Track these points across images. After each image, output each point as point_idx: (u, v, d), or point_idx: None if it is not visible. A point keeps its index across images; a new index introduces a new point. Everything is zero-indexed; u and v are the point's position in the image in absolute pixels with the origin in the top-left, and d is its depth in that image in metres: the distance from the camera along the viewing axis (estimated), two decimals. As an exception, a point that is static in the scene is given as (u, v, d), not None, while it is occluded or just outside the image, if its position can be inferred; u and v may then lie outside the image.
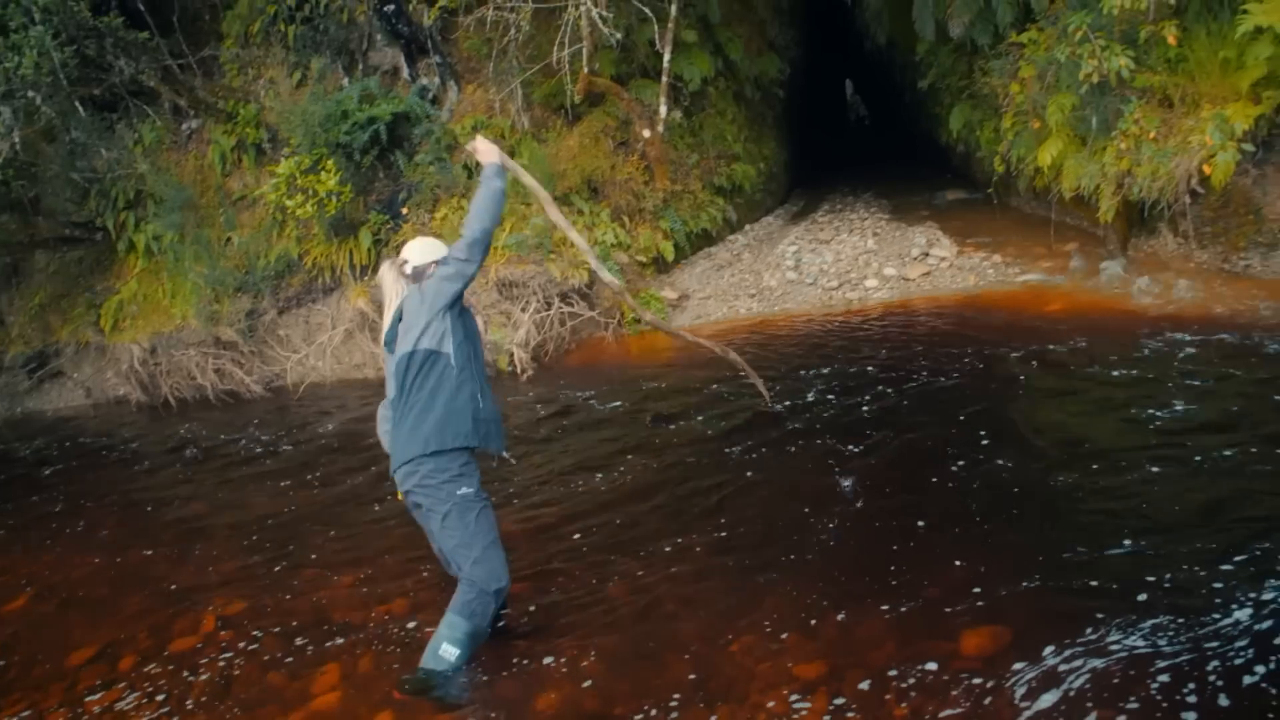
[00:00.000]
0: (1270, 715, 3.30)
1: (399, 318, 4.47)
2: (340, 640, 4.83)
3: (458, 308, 4.41)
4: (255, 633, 5.05)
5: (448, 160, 11.10)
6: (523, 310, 10.06)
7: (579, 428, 7.76)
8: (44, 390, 12.25)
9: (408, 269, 4.59)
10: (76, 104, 11.45)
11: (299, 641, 4.88)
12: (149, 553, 6.53)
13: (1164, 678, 3.56)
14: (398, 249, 4.65)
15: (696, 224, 12.44)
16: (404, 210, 11.05)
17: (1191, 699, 3.44)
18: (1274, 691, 3.41)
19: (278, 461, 8.27)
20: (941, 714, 3.57)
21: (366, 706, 4.15)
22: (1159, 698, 3.46)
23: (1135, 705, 3.44)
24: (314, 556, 6.00)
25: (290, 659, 4.73)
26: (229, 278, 10.91)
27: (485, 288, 10.16)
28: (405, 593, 5.26)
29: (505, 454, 4.67)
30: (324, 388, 10.68)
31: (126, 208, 11.65)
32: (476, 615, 4.13)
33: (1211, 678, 3.53)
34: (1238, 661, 3.58)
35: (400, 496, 4.40)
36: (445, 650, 4.08)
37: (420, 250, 4.65)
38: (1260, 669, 3.53)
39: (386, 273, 4.63)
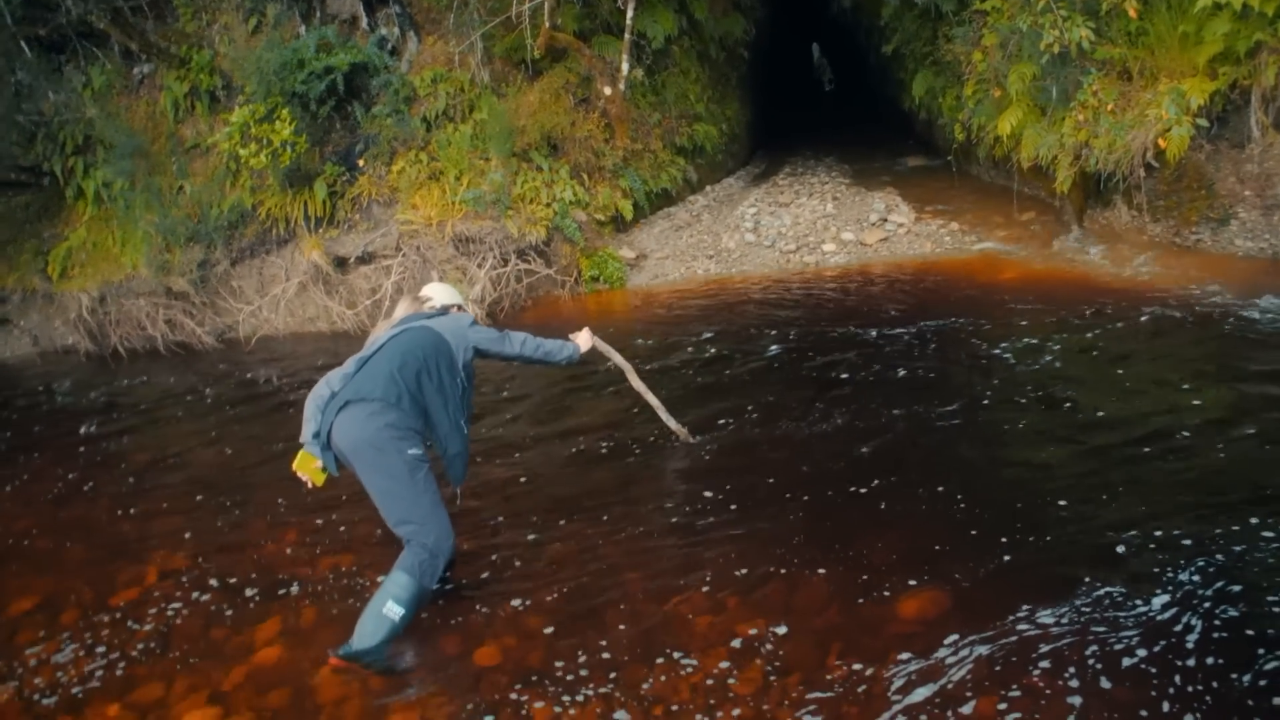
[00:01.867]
0: (1203, 686, 3.38)
1: (428, 315, 4.68)
2: (285, 594, 4.82)
3: (471, 364, 4.64)
4: (198, 586, 5.02)
5: (406, 113, 10.93)
6: (479, 266, 9.98)
7: (530, 387, 7.73)
8: (-11, 338, 12.01)
9: (432, 305, 4.85)
10: (22, 44, 11.13)
11: (243, 595, 4.86)
12: (92, 504, 6.45)
13: (1094, 649, 3.65)
14: (408, 296, 4.93)
15: (656, 183, 12.36)
16: (360, 163, 10.88)
17: (1125, 671, 3.52)
18: (1212, 663, 3.50)
19: (227, 414, 8.18)
20: (880, 675, 3.63)
21: (309, 661, 4.15)
22: (1090, 668, 3.53)
23: (1069, 674, 3.52)
24: (260, 509, 5.95)
25: (233, 612, 4.70)
26: (180, 227, 10.69)
27: (442, 243, 10.06)
28: (352, 547, 5.25)
29: (458, 490, 4.89)
30: (277, 340, 10.55)
31: (75, 153, 11.35)
32: (425, 575, 4.11)
33: (1145, 651, 3.61)
34: (1173, 637, 3.67)
35: (300, 464, 4.32)
36: (390, 608, 4.04)
37: (444, 292, 5.01)
38: (1192, 644, 3.62)
39: (404, 305, 4.85)
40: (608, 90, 11.69)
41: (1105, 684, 3.43)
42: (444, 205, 10.30)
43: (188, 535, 5.71)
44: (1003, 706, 3.38)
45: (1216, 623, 3.68)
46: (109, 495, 6.56)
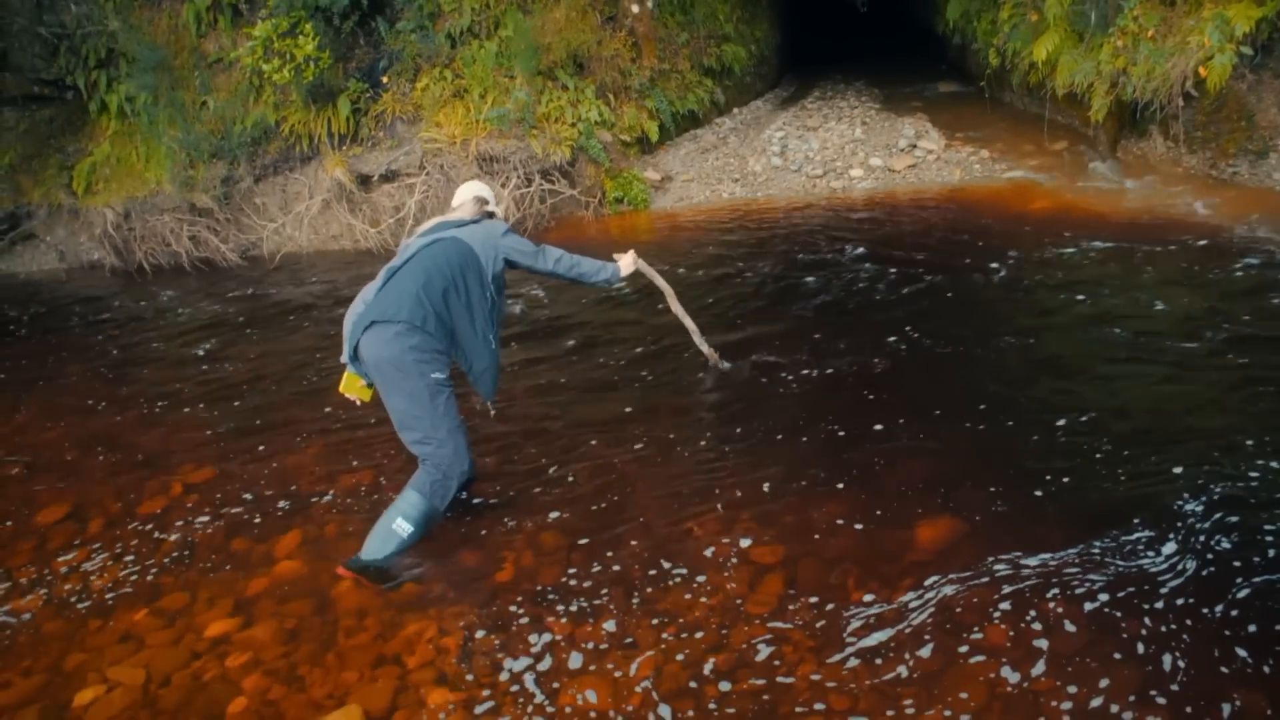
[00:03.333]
0: (1224, 627, 3.38)
1: (460, 223, 4.58)
2: (307, 508, 4.87)
3: (501, 275, 4.54)
4: (222, 498, 5.08)
5: (430, 29, 10.78)
6: (503, 185, 9.91)
7: (553, 308, 7.71)
8: (16, 252, 12.04)
9: (488, 208, 4.80)
10: (43, -46, 11.02)
11: (265, 508, 4.92)
12: (118, 418, 6.52)
13: (1104, 581, 3.64)
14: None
15: (683, 105, 12.19)
16: (384, 79, 10.77)
17: (1131, 601, 3.52)
18: (1216, 610, 3.49)
19: (252, 330, 8.22)
20: (894, 600, 3.65)
21: (328, 574, 4.21)
22: (1101, 600, 3.53)
23: (1081, 605, 3.52)
24: (283, 424, 6.01)
25: (256, 525, 4.77)
26: (204, 143, 10.66)
27: (466, 161, 9.98)
28: (373, 463, 5.29)
29: (490, 404, 4.80)
30: (300, 257, 10.56)
31: (98, 66, 11.28)
32: (437, 496, 4.14)
33: (1163, 589, 3.61)
34: (1184, 576, 3.66)
35: (347, 386, 4.36)
36: (399, 525, 4.08)
37: (477, 190, 4.88)
38: (1195, 587, 3.61)
39: (469, 197, 4.81)
40: (635, 8, 11.47)
41: (1114, 614, 3.43)
42: (468, 123, 10.21)
43: (212, 449, 5.78)
44: (1012, 634, 3.39)
45: (1255, 574, 3.66)
46: (136, 408, 6.63)
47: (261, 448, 5.69)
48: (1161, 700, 3.02)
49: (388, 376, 4.12)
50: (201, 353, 7.76)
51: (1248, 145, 8.61)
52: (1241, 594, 3.46)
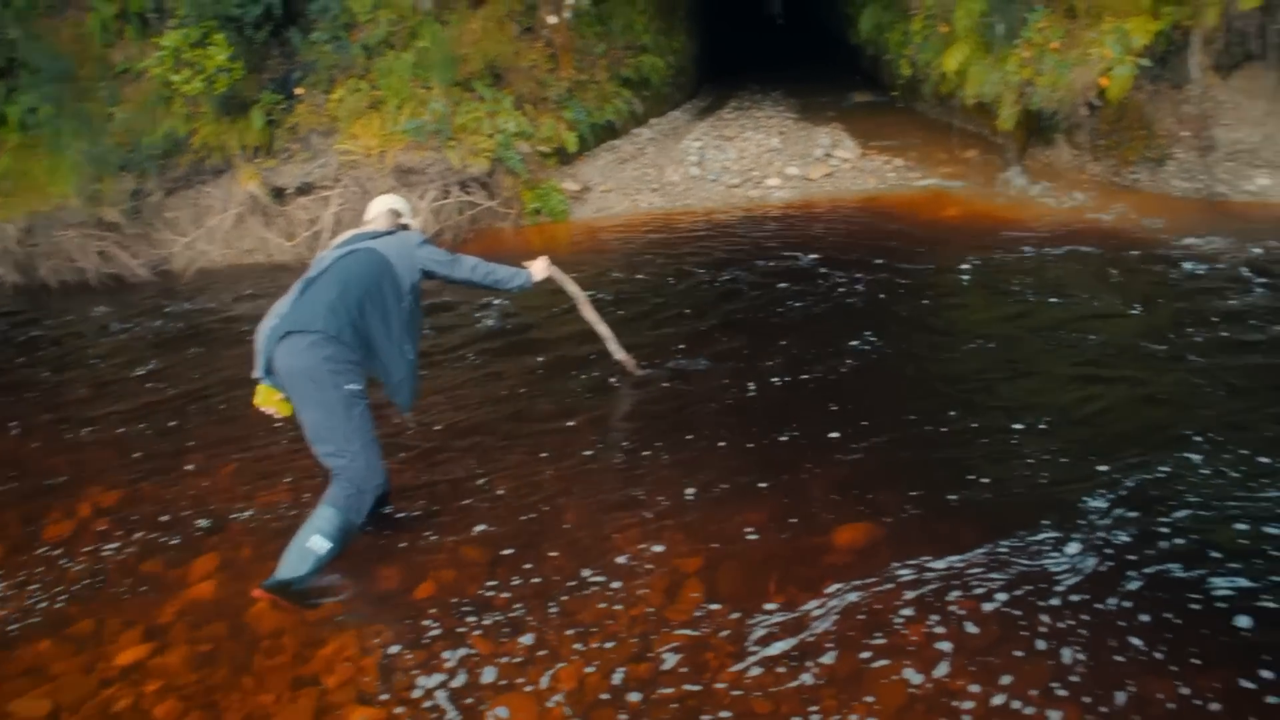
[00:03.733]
0: (1124, 620, 3.49)
1: (375, 234, 4.54)
2: (222, 528, 4.77)
3: (418, 285, 4.51)
4: (133, 521, 4.95)
5: (345, 39, 10.65)
6: (420, 198, 9.82)
7: (471, 320, 7.67)
8: (-87, 269, 11.59)
9: (402, 220, 4.82)
10: (-62, -40, 10.64)
11: (179, 530, 4.80)
12: (24, 439, 6.31)
13: (1017, 579, 3.75)
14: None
15: (601, 115, 12.22)
16: (298, 90, 10.61)
17: (1036, 603, 3.63)
18: (1121, 606, 3.61)
19: (163, 347, 8.01)
20: (814, 604, 3.70)
21: (244, 596, 4.11)
22: (1008, 601, 3.63)
23: (995, 602, 3.62)
24: (198, 444, 5.87)
25: (169, 547, 4.65)
26: (111, 155, 10.36)
27: (382, 173, 9.88)
28: (290, 480, 5.20)
29: (408, 415, 4.79)
30: (215, 273, 10.32)
31: (-2, 76, 10.95)
32: (352, 510, 4.07)
33: (1063, 585, 3.72)
34: (1083, 573, 3.78)
35: (263, 399, 4.30)
36: (315, 542, 4.00)
37: (391, 202, 4.90)
38: (1121, 581, 3.73)
39: (382, 210, 4.83)
40: (552, 19, 11.48)
41: (1017, 612, 3.53)
42: (384, 135, 10.11)
43: (124, 471, 5.61)
44: (925, 634, 3.46)
45: (1149, 565, 3.80)
46: (41, 430, 6.42)
47: (175, 468, 5.55)
48: (1063, 693, 3.13)
49: (302, 388, 4.06)
50: (109, 372, 7.55)
51: (1147, 153, 8.92)
52: (1134, 585, 3.61)
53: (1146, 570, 3.69)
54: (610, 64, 12.66)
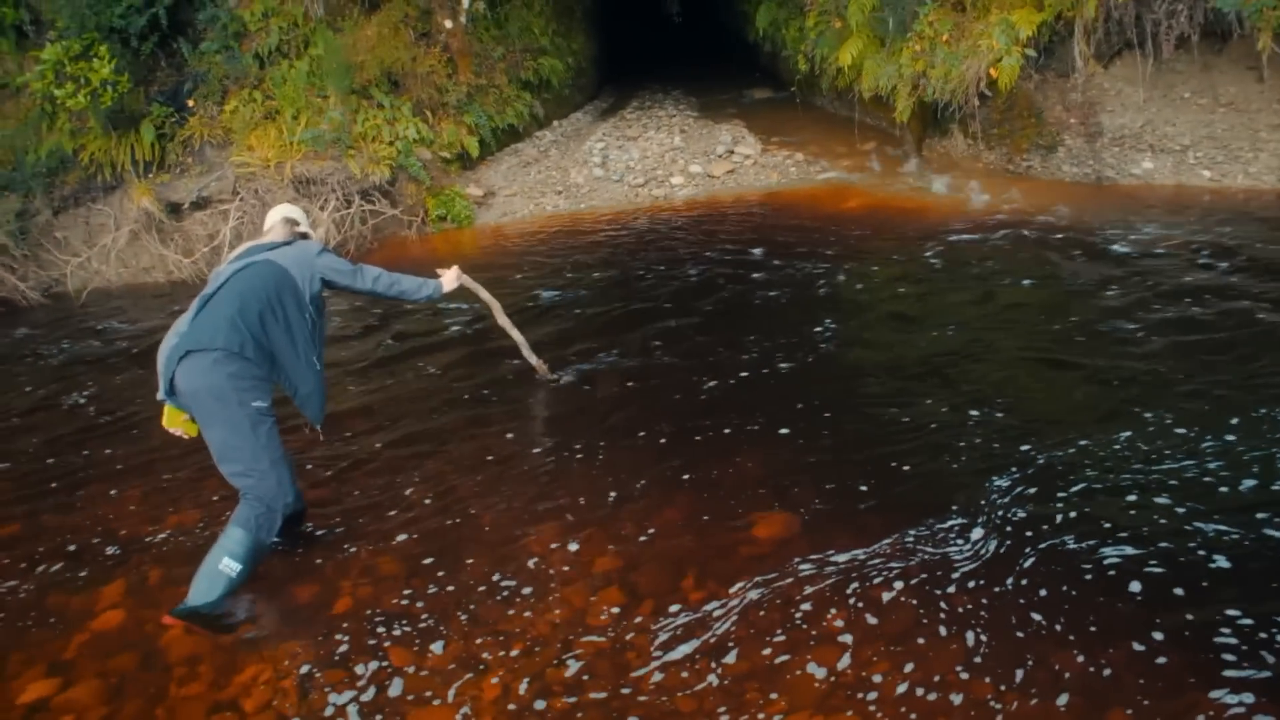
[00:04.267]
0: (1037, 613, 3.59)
1: (272, 245, 4.42)
2: (128, 555, 4.61)
3: (319, 295, 4.40)
4: (32, 553, 4.73)
5: (236, 49, 10.40)
6: (321, 209, 9.65)
7: (378, 329, 7.56)
8: None
9: (299, 229, 4.66)
10: None
11: (82, 559, 4.62)
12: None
13: (924, 566, 3.83)
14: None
15: (502, 119, 12.15)
16: (190, 103, 10.33)
17: (940, 589, 3.71)
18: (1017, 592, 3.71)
19: (59, 371, 7.72)
20: (733, 597, 3.73)
21: (156, 622, 3.99)
22: (923, 585, 3.71)
23: (907, 590, 3.69)
24: (99, 470, 5.65)
25: (72, 578, 4.47)
26: (-6, 175, 9.98)
27: (281, 185, 9.67)
28: (199, 502, 5.05)
29: (319, 428, 4.62)
30: (111, 293, 9.98)
31: None
32: (262, 529, 3.99)
33: (965, 569, 3.81)
34: (983, 556, 3.89)
35: (169, 421, 4.20)
36: (226, 564, 3.91)
37: (289, 213, 4.74)
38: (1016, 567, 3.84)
39: (279, 221, 4.66)
40: (449, 24, 11.38)
41: (936, 594, 3.62)
42: (282, 146, 9.90)
43: (19, 501, 5.39)
44: (850, 619, 3.52)
45: (1046, 541, 3.92)
46: (-71, 463, 6.15)
47: (78, 496, 5.35)
48: (965, 675, 3.20)
49: (206, 407, 3.96)
50: (6, 396, 7.26)
51: (1038, 140, 9.20)
52: (1032, 563, 3.73)
53: (1044, 547, 3.81)
54: (509, 67, 12.59)
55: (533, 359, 5.91)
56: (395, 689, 3.47)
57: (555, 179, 11.32)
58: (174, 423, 4.18)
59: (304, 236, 4.67)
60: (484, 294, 5.56)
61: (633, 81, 17.71)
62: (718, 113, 13.69)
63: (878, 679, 3.22)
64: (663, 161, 11.46)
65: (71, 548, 4.75)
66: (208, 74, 10.35)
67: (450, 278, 4.99)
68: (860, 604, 3.61)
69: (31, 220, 10.04)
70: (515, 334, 5.83)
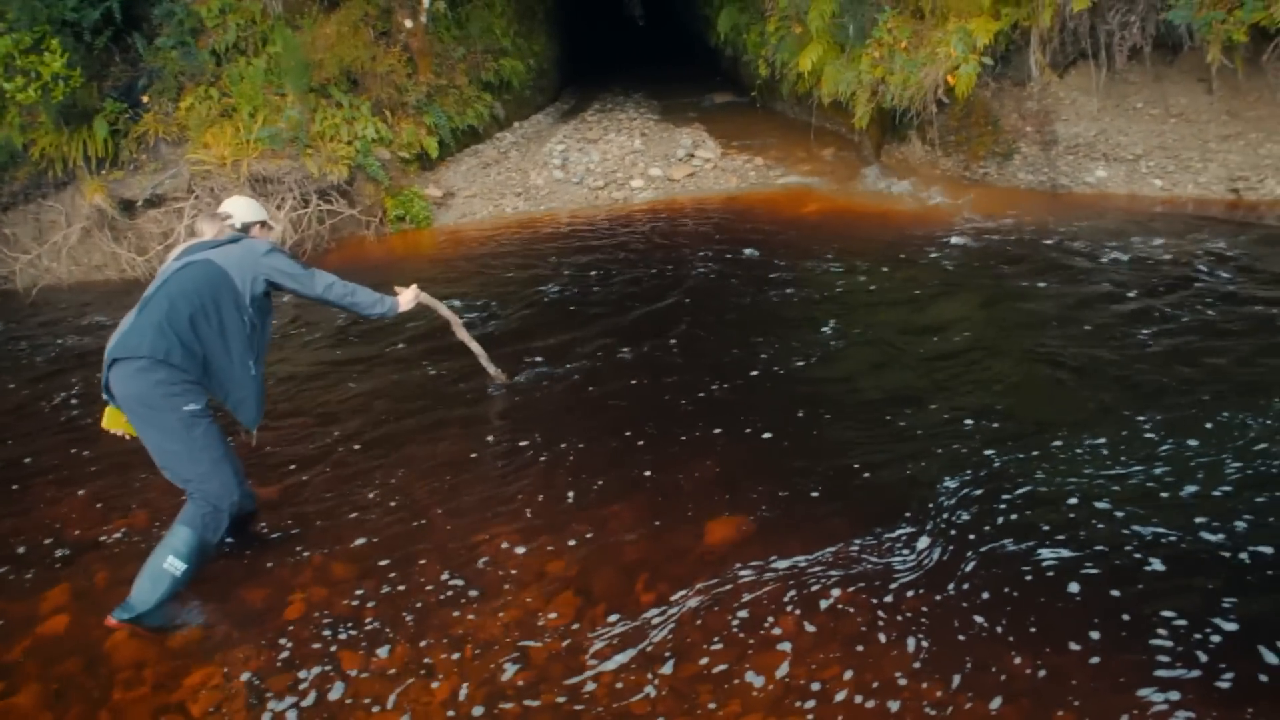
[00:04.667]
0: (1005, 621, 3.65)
1: (214, 244, 4.28)
2: (74, 558, 4.56)
3: (262, 297, 4.26)
4: (-23, 555, 4.69)
5: (192, 45, 10.30)
6: (278, 208, 9.58)
7: (329, 332, 7.52)
8: None
9: (234, 223, 4.47)
10: None
11: (26, 561, 4.56)
12: None
13: (869, 580, 3.88)
14: (207, 203, 4.41)
15: (462, 120, 12.12)
16: (145, 99, 10.21)
17: (884, 594, 3.76)
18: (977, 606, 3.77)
19: (5, 368, 7.62)
20: (685, 600, 3.76)
21: (102, 627, 3.95)
22: (870, 597, 3.76)
23: (863, 595, 3.74)
24: (45, 471, 5.58)
25: (15, 581, 4.42)
26: (-61, 169, 9.82)
27: (237, 183, 9.58)
28: (147, 503, 4.99)
29: (252, 433, 4.51)
30: (61, 291, 9.85)
31: None
32: (209, 529, 3.96)
33: (908, 574, 3.86)
34: (928, 561, 3.94)
35: (109, 421, 4.18)
36: (170, 563, 3.87)
37: (245, 209, 4.57)
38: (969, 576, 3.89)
39: (205, 223, 4.48)
40: (409, 23, 11.34)
41: (882, 598, 3.67)
42: (238, 144, 9.81)
43: (-38, 502, 5.33)
44: (798, 624, 3.56)
45: (987, 545, 3.99)
46: None
47: (23, 497, 5.28)
48: (908, 680, 3.24)
49: (138, 414, 3.92)
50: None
51: (995, 148, 9.33)
52: (970, 566, 3.79)
53: (985, 550, 3.87)
54: (470, 68, 12.57)
55: (491, 368, 5.91)
56: (342, 693, 3.45)
57: (515, 181, 11.31)
58: (114, 424, 4.15)
59: (264, 226, 4.62)
60: (443, 310, 5.51)
61: (595, 83, 17.74)
62: (679, 116, 13.74)
63: (822, 685, 3.26)
64: (623, 164, 11.48)
65: (12, 552, 4.68)
66: (163, 70, 10.24)
67: (408, 297, 4.90)
68: (806, 609, 3.64)
69: (-21, 216, 9.89)
70: (474, 346, 5.84)
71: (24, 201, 10.05)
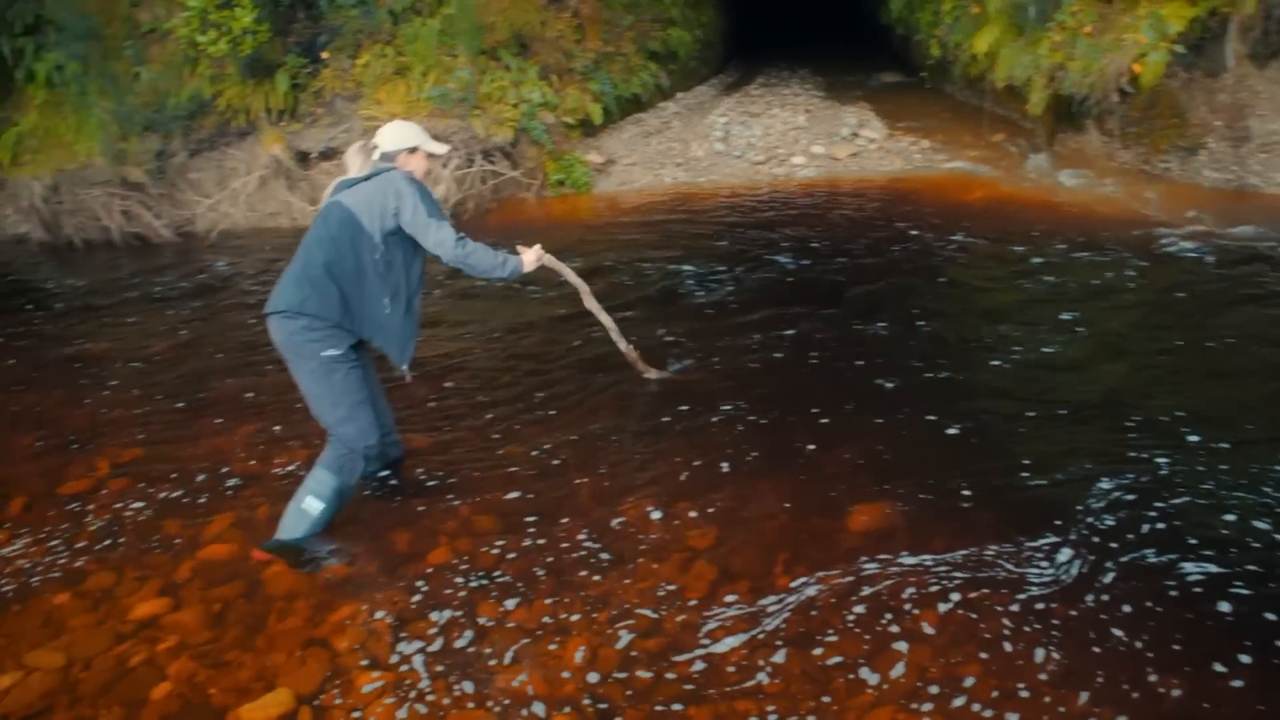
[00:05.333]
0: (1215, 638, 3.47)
1: (353, 182, 4.20)
2: (238, 489, 4.80)
3: (397, 234, 4.12)
4: (150, 478, 4.97)
5: (371, 4, 10.61)
6: (444, 166, 9.81)
7: (490, 291, 7.66)
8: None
9: (376, 154, 4.27)
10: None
11: (196, 489, 4.82)
12: (45, 394, 6.35)
13: (1021, 583, 3.72)
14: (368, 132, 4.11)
15: (627, 88, 12.16)
16: (324, 55, 10.60)
17: (1061, 626, 3.60)
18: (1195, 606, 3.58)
19: (184, 308, 8.05)
20: (825, 585, 3.69)
21: (257, 555, 4.14)
22: (1013, 608, 3.61)
23: (1011, 597, 3.60)
24: (216, 403, 5.90)
25: (186, 506, 4.67)
26: (137, 115, 10.39)
27: (406, 141, 9.84)
28: (307, 442, 5.18)
29: (406, 369, 4.37)
30: (237, 235, 10.35)
31: (25, 33, 10.92)
32: (345, 471, 4.11)
33: (1094, 602, 3.69)
34: (1087, 576, 3.76)
35: None
36: (309, 504, 4.05)
37: (392, 135, 4.29)
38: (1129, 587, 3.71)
39: (353, 155, 4.32)
40: (580, -11, 11.41)
41: (1024, 608, 3.52)
42: (409, 102, 10.09)
43: (141, 429, 5.65)
44: (939, 625, 3.45)
45: (1130, 556, 3.78)
46: (62, 386, 6.47)
47: (194, 428, 5.58)
48: (1025, 694, 3.09)
49: (289, 361, 4.12)
50: (130, 330, 7.60)
51: (1179, 142, 8.81)
52: (1111, 577, 3.60)
53: (1127, 560, 3.69)
54: (637, 36, 12.58)
55: (623, 345, 5.59)
56: (483, 643, 3.52)
57: (676, 151, 11.29)
58: None
59: (414, 154, 4.34)
60: (570, 275, 5.12)
61: (759, 58, 17.54)
62: (844, 94, 13.47)
63: (950, 686, 3.14)
64: (785, 140, 11.33)
65: (184, 477, 4.95)
66: (343, 27, 10.59)
67: (531, 257, 4.55)
68: (941, 607, 3.51)
69: (169, 161, 10.48)
70: (605, 319, 5.47)
71: (209, 149, 10.59)
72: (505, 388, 5.78)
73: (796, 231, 8.42)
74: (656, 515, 4.26)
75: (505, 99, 10.34)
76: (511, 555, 4.06)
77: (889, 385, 5.37)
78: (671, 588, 3.76)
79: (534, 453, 4.92)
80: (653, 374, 5.71)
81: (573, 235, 8.95)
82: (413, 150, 4.32)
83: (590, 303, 5.41)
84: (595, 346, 6.21)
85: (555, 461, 4.83)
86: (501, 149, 10.16)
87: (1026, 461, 4.46)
